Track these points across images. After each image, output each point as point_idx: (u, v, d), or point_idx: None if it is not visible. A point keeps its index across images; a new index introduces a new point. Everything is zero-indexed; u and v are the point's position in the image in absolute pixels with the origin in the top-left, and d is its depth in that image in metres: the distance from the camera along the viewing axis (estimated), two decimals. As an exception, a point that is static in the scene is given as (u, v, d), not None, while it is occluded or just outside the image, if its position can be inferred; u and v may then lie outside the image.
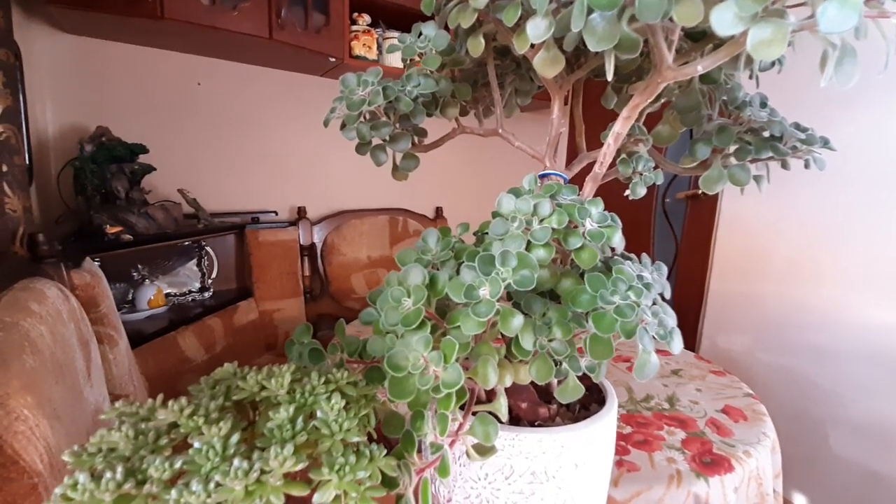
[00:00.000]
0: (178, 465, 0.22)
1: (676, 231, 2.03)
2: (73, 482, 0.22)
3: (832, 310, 1.47)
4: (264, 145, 1.90)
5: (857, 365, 1.42)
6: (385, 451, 0.27)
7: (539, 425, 0.43)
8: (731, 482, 0.72)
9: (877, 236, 1.37)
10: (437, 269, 0.37)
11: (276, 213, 1.94)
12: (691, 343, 1.88)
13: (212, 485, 0.22)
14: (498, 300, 0.32)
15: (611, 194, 0.49)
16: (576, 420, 0.43)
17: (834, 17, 0.22)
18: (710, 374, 1.09)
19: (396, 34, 1.87)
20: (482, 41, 0.42)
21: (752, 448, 0.79)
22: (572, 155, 0.54)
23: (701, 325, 1.86)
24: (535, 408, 0.43)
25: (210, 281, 1.69)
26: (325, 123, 0.43)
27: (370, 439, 0.30)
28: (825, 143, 0.40)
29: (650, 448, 0.78)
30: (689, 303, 1.91)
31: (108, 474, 0.22)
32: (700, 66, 0.31)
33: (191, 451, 0.23)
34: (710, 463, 0.74)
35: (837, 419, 1.47)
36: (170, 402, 0.25)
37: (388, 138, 0.45)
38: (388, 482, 0.27)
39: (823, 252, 1.48)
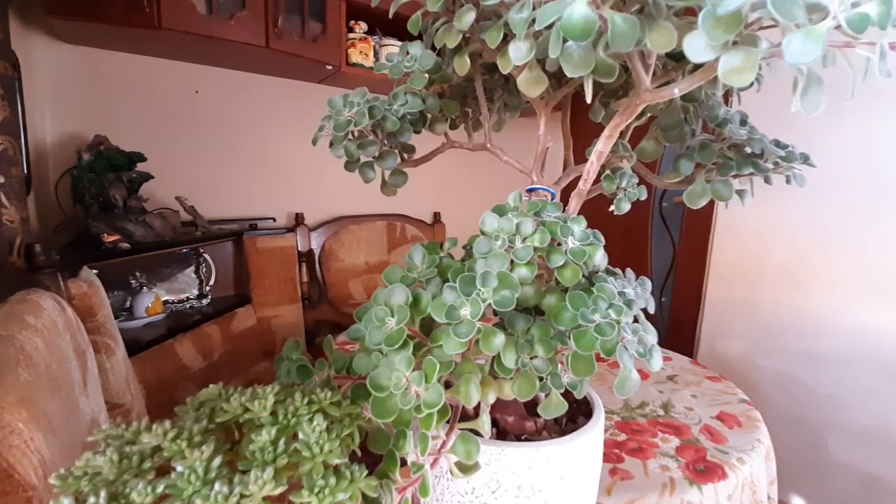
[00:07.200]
0: (160, 489, 0.23)
1: (674, 236, 2.04)
2: (57, 506, 0.23)
3: (829, 315, 1.47)
4: (262, 152, 1.91)
5: (854, 369, 1.42)
6: (366, 472, 0.27)
7: (526, 439, 0.44)
8: (725, 490, 0.72)
9: (872, 242, 1.37)
10: (424, 287, 0.38)
11: (273, 219, 1.95)
12: (689, 349, 1.88)
13: (193, 509, 0.22)
14: (481, 318, 0.32)
15: (605, 204, 0.50)
16: (563, 433, 0.43)
17: (798, 50, 0.23)
18: (705, 380, 1.09)
19: (393, 41, 1.88)
20: (468, 60, 0.43)
21: (746, 455, 0.79)
22: (565, 168, 0.54)
23: (698, 331, 1.86)
24: (522, 422, 0.44)
25: (208, 288, 1.70)
26: (314, 142, 0.44)
27: (354, 457, 0.30)
28: (805, 159, 0.40)
29: (644, 455, 0.78)
30: (686, 308, 1.91)
31: (92, 499, 0.22)
32: (677, 89, 0.32)
33: (173, 474, 0.24)
34: (704, 470, 0.74)
35: (835, 424, 1.47)
36: (154, 425, 0.25)
37: (375, 156, 0.45)
38: (370, 502, 0.28)
39: (820, 258, 1.49)
